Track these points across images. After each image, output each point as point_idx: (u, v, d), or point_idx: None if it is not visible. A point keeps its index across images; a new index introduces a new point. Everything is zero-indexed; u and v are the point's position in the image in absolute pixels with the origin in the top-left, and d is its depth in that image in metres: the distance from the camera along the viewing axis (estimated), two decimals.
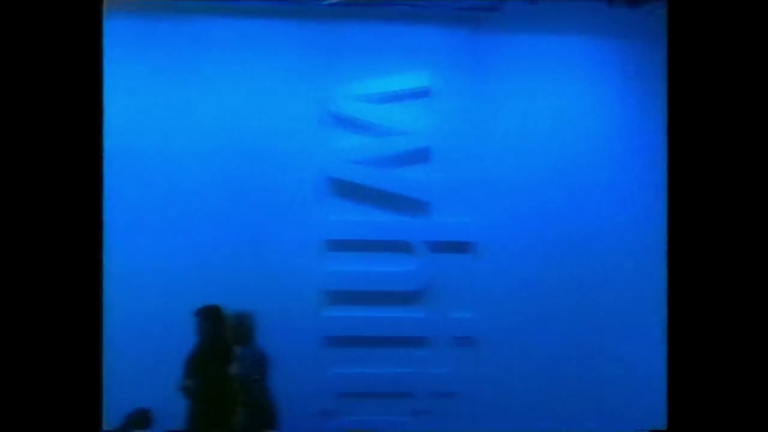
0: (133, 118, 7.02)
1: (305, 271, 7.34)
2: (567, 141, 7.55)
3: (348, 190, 7.45)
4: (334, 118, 7.46)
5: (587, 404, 7.16)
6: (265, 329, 6.63)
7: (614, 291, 7.45)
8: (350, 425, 7.25)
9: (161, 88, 7.27)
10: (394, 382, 7.47)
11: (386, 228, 7.49)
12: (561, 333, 7.39)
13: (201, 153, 7.28)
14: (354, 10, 7.39)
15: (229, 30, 7.33)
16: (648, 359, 6.68)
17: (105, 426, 3.01)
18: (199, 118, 7.30)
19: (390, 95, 7.47)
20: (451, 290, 7.46)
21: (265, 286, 7.10)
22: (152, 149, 7.20)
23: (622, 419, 6.79)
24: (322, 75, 7.41)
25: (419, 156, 7.49)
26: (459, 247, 7.50)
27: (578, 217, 7.51)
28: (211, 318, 6.41)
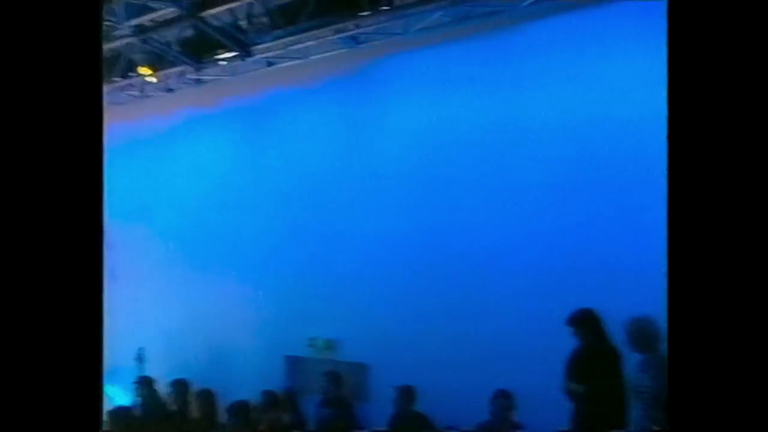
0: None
1: (651, 274, 6.65)
2: None
3: None
4: None
5: None
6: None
7: None
8: None
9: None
10: None
11: None
12: None
13: (551, 155, 7.40)
14: None
15: (567, 29, 7.36)
16: None
17: None
18: (543, 122, 7.47)
19: None
20: None
21: (609, 291, 6.65)
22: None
23: None
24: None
25: None
26: None
27: None
28: (583, 322, 6.11)
